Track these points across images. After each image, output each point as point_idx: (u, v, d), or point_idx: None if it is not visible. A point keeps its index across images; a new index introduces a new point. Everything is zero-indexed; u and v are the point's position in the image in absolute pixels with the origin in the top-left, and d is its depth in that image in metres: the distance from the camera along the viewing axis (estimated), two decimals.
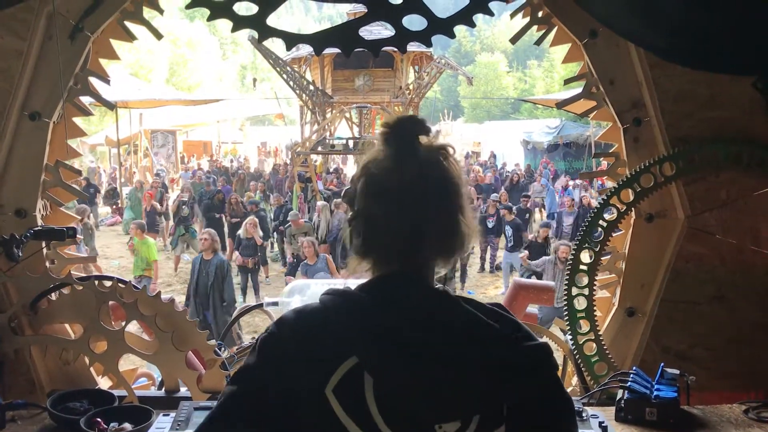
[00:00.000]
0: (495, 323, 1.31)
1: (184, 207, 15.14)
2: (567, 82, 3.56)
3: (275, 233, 15.80)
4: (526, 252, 11.58)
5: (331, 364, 1.29)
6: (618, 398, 2.78)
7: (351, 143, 19.96)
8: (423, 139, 1.37)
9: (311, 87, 24.52)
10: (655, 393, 2.72)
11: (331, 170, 24.56)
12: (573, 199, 16.18)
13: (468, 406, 1.28)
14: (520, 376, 1.29)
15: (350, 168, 27.41)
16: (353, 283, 1.42)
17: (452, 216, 1.37)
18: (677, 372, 2.82)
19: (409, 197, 1.34)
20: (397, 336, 1.27)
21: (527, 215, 16.06)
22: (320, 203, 15.70)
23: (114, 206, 20.92)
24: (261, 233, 13.09)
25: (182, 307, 3.34)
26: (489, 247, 15.08)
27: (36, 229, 2.96)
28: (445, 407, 1.27)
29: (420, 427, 1.27)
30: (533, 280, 8.66)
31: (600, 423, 2.54)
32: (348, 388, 1.28)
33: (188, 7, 2.78)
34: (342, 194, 1.50)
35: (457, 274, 12.91)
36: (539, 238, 12.42)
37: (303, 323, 1.35)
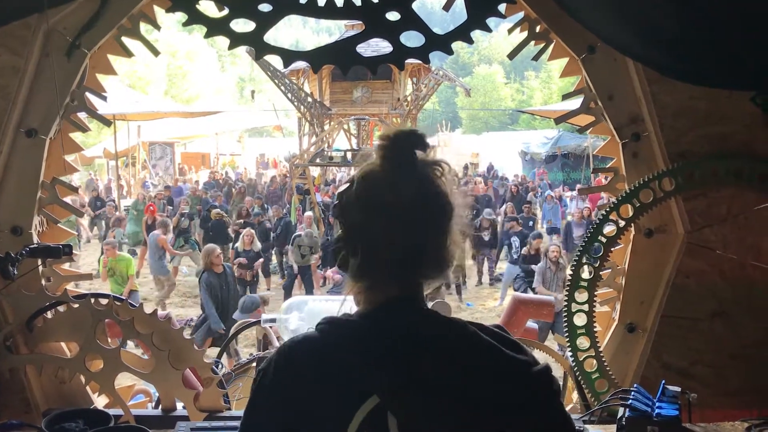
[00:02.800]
0: (504, 348, 1.29)
1: (183, 219, 15.12)
2: (565, 97, 3.55)
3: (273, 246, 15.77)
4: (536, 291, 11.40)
5: (353, 402, 1.24)
6: (619, 416, 2.74)
7: (349, 155, 19.96)
8: (420, 153, 1.34)
9: (309, 99, 24.56)
10: (657, 411, 2.68)
11: (329, 182, 24.58)
12: (582, 211, 16.11)
13: None
14: (533, 406, 1.27)
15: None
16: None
17: (445, 235, 1.35)
18: (678, 389, 2.79)
19: (407, 214, 1.30)
20: (416, 374, 1.23)
21: (531, 223, 16.01)
22: (308, 213, 15.70)
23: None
24: (259, 246, 13.06)
25: (179, 324, 3.31)
26: (486, 259, 15.05)
27: (32, 246, 2.94)
28: None
29: None
30: (532, 295, 8.62)
31: None
32: (372, 428, 1.24)
33: (185, 24, 2.77)
34: (331, 208, 1.44)
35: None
36: (532, 250, 12.28)
37: (310, 359, 1.29)
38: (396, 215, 1.30)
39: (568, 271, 3.24)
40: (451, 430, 1.22)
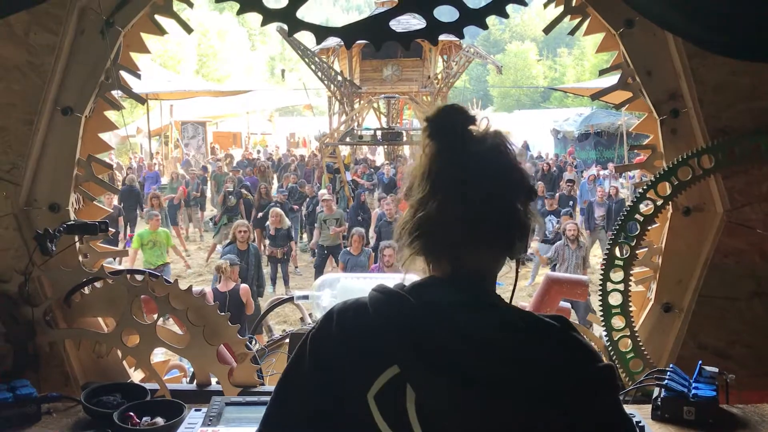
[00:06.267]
0: (551, 342, 1.24)
1: (231, 197, 15.17)
2: (602, 72, 3.47)
3: (306, 224, 15.86)
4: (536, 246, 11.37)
5: (376, 368, 1.24)
6: (654, 396, 2.72)
7: (379, 134, 19.91)
8: (473, 128, 1.31)
9: (339, 77, 24.52)
10: (693, 391, 2.65)
11: (359, 161, 24.58)
12: (604, 190, 15.89)
13: None
14: (574, 403, 1.20)
15: (378, 158, 27.32)
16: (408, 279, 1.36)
17: (511, 208, 1.31)
18: (716, 370, 2.75)
19: (465, 191, 1.28)
20: (444, 352, 1.20)
21: (571, 202, 15.75)
22: (323, 191, 15.76)
23: None
24: (288, 223, 13.13)
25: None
26: None
27: (69, 223, 2.99)
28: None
29: None
30: (566, 274, 8.54)
31: (636, 422, 2.48)
32: (390, 396, 1.23)
33: (218, 0, 2.76)
34: (401, 190, 1.44)
35: None
36: (562, 227, 12.16)
37: (351, 321, 1.29)
38: (453, 193, 1.29)
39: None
40: (472, 417, 1.18)
